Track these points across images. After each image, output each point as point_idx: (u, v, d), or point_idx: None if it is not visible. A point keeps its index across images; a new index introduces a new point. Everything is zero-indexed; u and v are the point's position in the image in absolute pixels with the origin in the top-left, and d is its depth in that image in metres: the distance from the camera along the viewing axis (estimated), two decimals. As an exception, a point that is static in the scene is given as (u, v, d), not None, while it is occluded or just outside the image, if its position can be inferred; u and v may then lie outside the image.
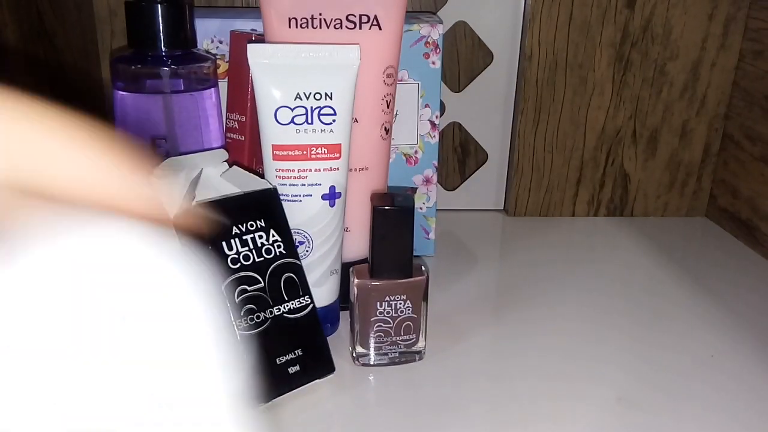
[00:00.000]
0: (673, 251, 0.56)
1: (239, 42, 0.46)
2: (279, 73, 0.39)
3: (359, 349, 0.39)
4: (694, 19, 0.57)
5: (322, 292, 0.41)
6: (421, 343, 0.40)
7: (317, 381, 0.37)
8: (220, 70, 0.48)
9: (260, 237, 0.37)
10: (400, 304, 0.39)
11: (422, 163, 0.53)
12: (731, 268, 0.54)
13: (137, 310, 0.14)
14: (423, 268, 0.39)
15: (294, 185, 0.40)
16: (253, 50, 0.38)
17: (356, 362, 0.40)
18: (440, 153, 0.57)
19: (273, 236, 0.37)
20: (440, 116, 0.53)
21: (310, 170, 0.39)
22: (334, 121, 0.39)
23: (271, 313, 0.36)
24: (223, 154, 0.39)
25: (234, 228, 0.36)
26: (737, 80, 0.58)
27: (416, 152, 0.53)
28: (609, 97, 0.59)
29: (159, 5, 0.40)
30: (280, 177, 0.39)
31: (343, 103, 0.39)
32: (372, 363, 0.40)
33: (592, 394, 0.38)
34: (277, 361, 0.36)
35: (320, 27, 0.41)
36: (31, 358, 0.13)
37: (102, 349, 0.13)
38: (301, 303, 0.37)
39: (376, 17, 0.42)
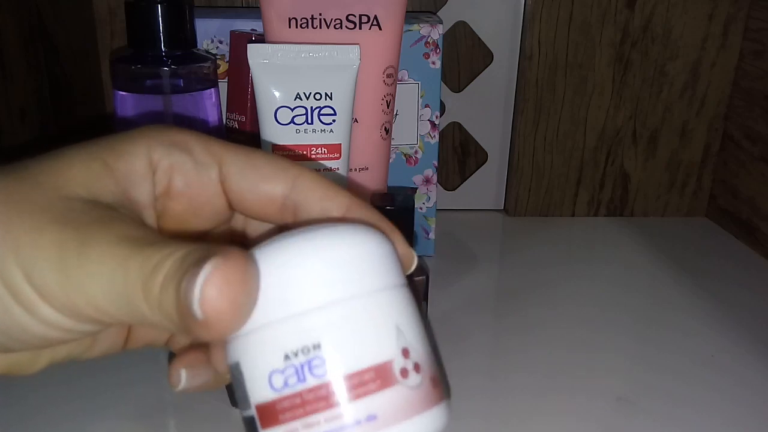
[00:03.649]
0: (673, 251, 0.56)
1: (239, 42, 0.46)
2: (279, 73, 0.39)
3: (359, 349, 0.39)
4: (694, 19, 0.57)
5: (322, 292, 0.41)
6: (421, 343, 0.40)
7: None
8: (220, 70, 0.48)
9: (260, 237, 0.37)
10: (400, 304, 0.38)
11: (422, 163, 0.53)
12: (731, 268, 0.54)
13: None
14: (423, 268, 0.39)
15: (294, 185, 0.40)
16: (253, 50, 0.38)
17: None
18: (440, 153, 0.57)
19: (273, 236, 0.37)
20: (440, 116, 0.53)
21: (310, 170, 0.39)
22: (334, 121, 0.39)
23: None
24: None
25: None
26: (737, 80, 0.58)
27: (416, 152, 0.53)
28: (609, 97, 0.59)
29: (159, 5, 0.40)
30: (280, 177, 0.39)
31: (343, 103, 0.40)
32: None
33: (592, 394, 0.38)
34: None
35: (320, 27, 0.41)
36: None
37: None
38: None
39: (376, 17, 0.42)
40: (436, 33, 0.50)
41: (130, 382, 0.38)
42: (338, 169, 0.40)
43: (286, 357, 0.17)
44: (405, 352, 0.18)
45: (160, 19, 0.40)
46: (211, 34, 0.48)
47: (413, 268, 0.22)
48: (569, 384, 0.39)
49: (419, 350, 0.19)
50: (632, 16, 0.56)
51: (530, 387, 0.39)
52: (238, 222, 0.24)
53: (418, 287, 0.39)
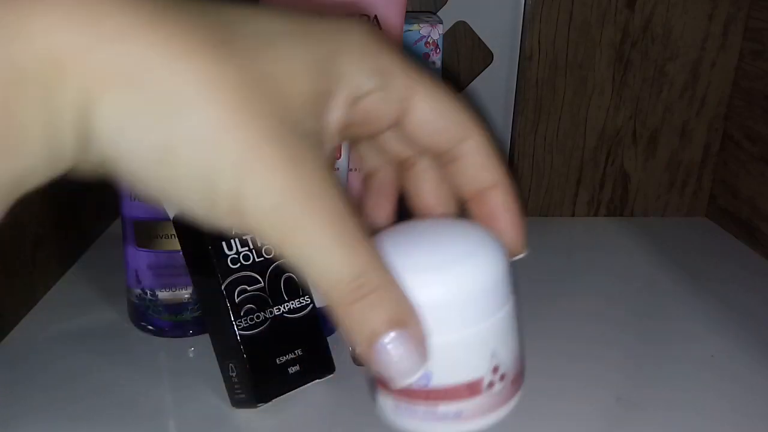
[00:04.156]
0: (673, 251, 0.56)
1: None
2: (279, 73, 0.39)
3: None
4: (694, 19, 0.57)
5: (322, 292, 0.41)
6: (421, 343, 0.40)
7: (317, 381, 0.37)
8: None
9: (260, 237, 0.37)
10: (400, 304, 0.38)
11: (422, 163, 0.53)
12: (731, 268, 0.54)
13: None
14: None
15: (294, 185, 0.39)
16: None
17: (356, 362, 0.40)
18: (440, 153, 0.57)
19: (273, 236, 0.37)
20: (440, 116, 0.53)
21: (310, 170, 0.39)
22: (334, 121, 0.39)
23: (271, 313, 0.36)
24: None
25: (234, 228, 0.36)
26: (737, 80, 0.58)
27: (416, 152, 0.53)
28: (609, 97, 0.59)
29: (159, 5, 0.40)
30: (280, 177, 0.39)
31: (343, 103, 0.39)
32: (372, 363, 0.40)
33: (592, 394, 0.38)
34: (277, 361, 0.36)
35: (320, 27, 0.41)
36: None
37: None
38: (301, 303, 0.37)
39: (376, 17, 0.42)
40: (436, 33, 0.50)
41: (131, 382, 0.38)
42: (338, 169, 0.40)
43: None
44: (495, 369, 0.23)
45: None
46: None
47: (521, 256, 0.26)
48: (569, 383, 0.39)
49: (508, 363, 0.24)
50: (632, 16, 0.56)
51: (529, 387, 0.39)
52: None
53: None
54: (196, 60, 0.17)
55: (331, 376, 0.38)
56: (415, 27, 0.49)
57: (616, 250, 0.57)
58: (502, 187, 0.25)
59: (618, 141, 0.60)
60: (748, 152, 0.57)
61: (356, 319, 0.20)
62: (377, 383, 0.24)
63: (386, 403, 0.24)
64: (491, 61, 0.59)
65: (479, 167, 0.24)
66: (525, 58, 0.57)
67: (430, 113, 0.23)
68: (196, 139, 0.18)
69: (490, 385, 0.23)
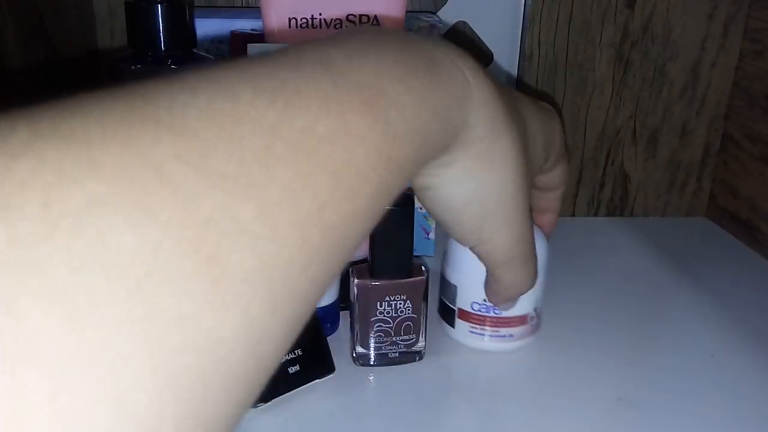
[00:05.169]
0: (673, 251, 0.56)
1: (239, 42, 0.46)
2: (279, 73, 0.39)
3: (359, 349, 0.39)
4: (694, 19, 0.57)
5: (322, 292, 0.41)
6: (421, 343, 0.40)
7: (317, 381, 0.37)
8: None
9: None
10: (400, 304, 0.39)
11: (422, 163, 0.53)
12: (731, 268, 0.54)
13: None
14: (423, 268, 0.39)
15: (294, 185, 0.39)
16: (253, 50, 0.38)
17: (356, 362, 0.40)
18: (440, 153, 0.57)
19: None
20: (440, 116, 0.53)
21: (310, 170, 0.39)
22: (334, 121, 0.39)
23: (271, 313, 0.36)
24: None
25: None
26: (737, 80, 0.58)
27: (416, 152, 0.53)
28: (609, 97, 0.59)
29: (159, 5, 0.40)
30: (280, 177, 0.39)
31: (343, 103, 0.39)
32: (372, 363, 0.40)
33: (592, 394, 0.38)
34: (277, 361, 0.36)
35: (320, 27, 0.41)
36: None
37: None
38: (301, 303, 0.37)
39: (376, 17, 0.42)
40: (436, 33, 0.50)
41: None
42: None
43: (484, 300, 0.39)
44: (535, 309, 0.41)
45: (160, 19, 0.40)
46: (211, 34, 0.48)
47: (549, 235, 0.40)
48: (569, 383, 0.39)
49: (540, 304, 0.41)
50: (632, 16, 0.56)
51: (529, 386, 0.39)
52: None
53: (418, 287, 0.39)
54: (514, 141, 0.25)
55: (331, 376, 0.38)
56: (415, 27, 0.49)
57: (616, 250, 0.57)
58: (557, 212, 0.39)
59: (618, 141, 0.60)
60: (748, 152, 0.57)
61: (515, 297, 0.34)
62: (458, 316, 0.41)
63: (462, 330, 0.41)
64: (491, 61, 0.59)
65: (553, 201, 0.38)
66: (525, 58, 0.57)
67: (557, 177, 0.36)
68: (496, 197, 0.25)
69: (531, 319, 0.40)
